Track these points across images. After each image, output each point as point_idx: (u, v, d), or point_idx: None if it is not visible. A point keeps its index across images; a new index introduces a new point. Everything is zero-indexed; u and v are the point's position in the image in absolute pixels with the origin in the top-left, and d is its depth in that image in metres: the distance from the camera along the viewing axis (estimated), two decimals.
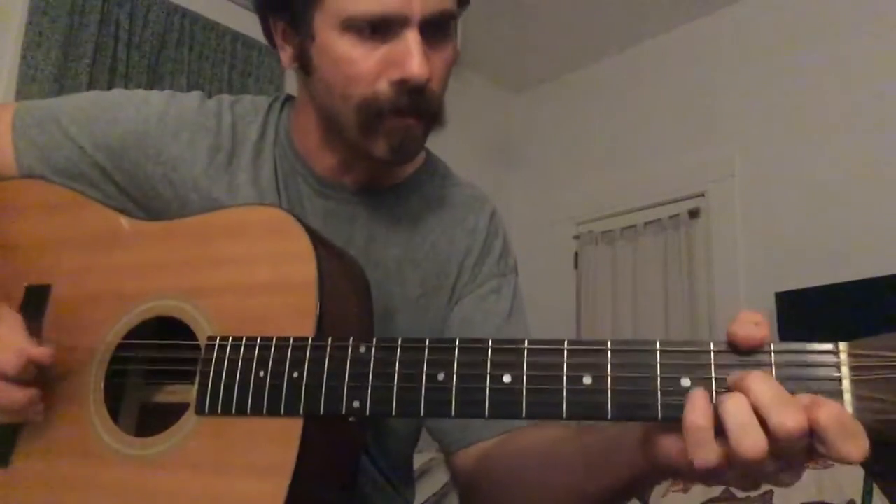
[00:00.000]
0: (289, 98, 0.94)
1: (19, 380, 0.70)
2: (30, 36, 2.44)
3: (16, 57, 2.43)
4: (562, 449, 0.72)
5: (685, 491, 2.01)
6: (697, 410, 0.50)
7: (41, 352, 0.71)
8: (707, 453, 0.49)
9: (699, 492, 1.97)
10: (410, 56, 0.74)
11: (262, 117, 0.90)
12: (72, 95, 0.92)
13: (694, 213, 3.32)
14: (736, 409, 0.48)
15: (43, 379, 0.72)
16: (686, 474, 0.53)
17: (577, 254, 3.75)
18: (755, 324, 0.51)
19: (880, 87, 2.82)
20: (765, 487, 1.93)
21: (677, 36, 3.55)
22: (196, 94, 0.91)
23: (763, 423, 0.48)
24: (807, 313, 2.66)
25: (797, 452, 0.49)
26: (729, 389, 0.51)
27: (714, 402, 0.51)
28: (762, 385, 0.49)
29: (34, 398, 0.71)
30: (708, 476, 0.51)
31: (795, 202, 2.98)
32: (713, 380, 0.52)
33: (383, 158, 0.80)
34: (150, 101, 0.88)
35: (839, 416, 0.47)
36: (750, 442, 0.48)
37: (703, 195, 3.31)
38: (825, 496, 1.78)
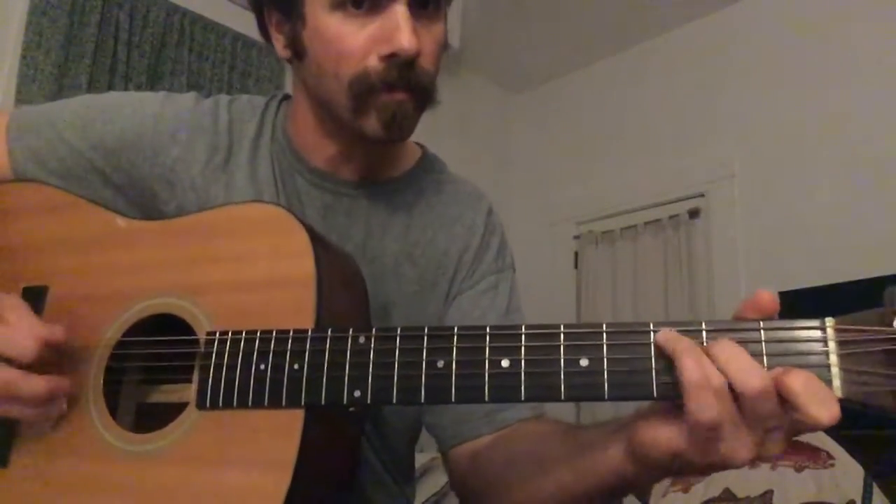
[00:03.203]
0: (286, 97, 0.94)
1: (37, 365, 0.68)
2: (30, 36, 2.44)
3: (16, 57, 2.43)
4: (550, 449, 0.72)
5: (685, 490, 2.01)
6: (672, 338, 0.53)
7: (56, 332, 0.70)
8: (697, 371, 0.51)
9: (699, 492, 1.97)
10: (399, 30, 0.74)
11: (259, 115, 0.90)
12: (66, 100, 0.92)
13: (694, 213, 3.33)
14: (691, 366, 0.51)
15: (58, 368, 0.72)
16: (676, 460, 0.54)
17: (577, 254, 3.75)
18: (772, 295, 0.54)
19: (881, 88, 2.83)
20: (764, 487, 1.93)
21: (677, 36, 3.56)
22: (191, 94, 0.91)
23: (730, 386, 0.51)
24: (807, 313, 2.65)
25: (769, 414, 0.51)
26: None
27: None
28: (721, 347, 0.52)
29: (56, 387, 0.69)
30: (703, 451, 0.52)
31: (795, 202, 2.98)
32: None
33: (376, 136, 0.80)
34: (146, 102, 0.88)
35: (808, 381, 0.49)
36: (707, 400, 0.51)
37: (703, 195, 3.31)
38: (825, 496, 1.78)
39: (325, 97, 0.81)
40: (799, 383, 0.49)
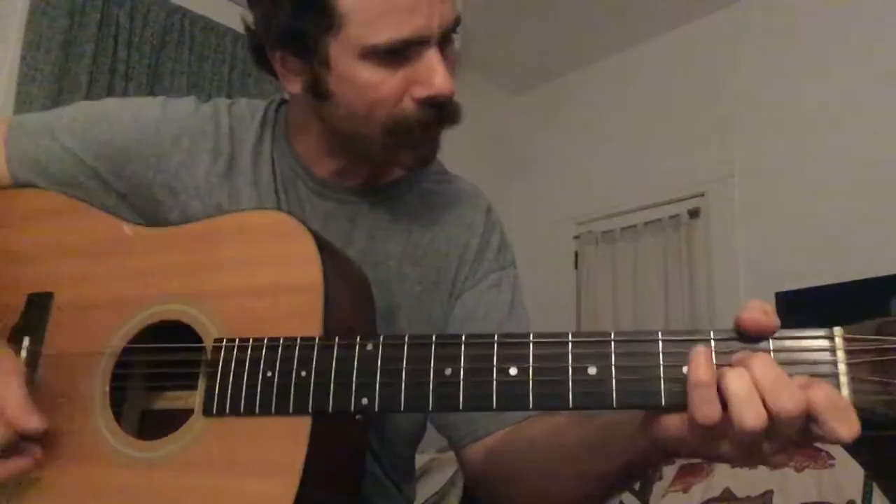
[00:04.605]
0: (283, 101, 0.94)
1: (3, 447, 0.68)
2: (30, 36, 2.44)
3: (16, 57, 2.43)
4: (565, 436, 0.73)
5: (685, 491, 2.01)
6: (701, 367, 0.52)
7: (32, 422, 0.67)
8: (710, 410, 0.51)
9: (699, 492, 1.97)
10: (435, 74, 0.75)
11: (259, 120, 0.90)
12: (65, 107, 0.92)
13: (694, 213, 3.32)
14: (738, 383, 0.50)
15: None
16: (685, 450, 0.55)
17: (577, 254, 3.75)
18: (763, 312, 0.53)
19: (881, 87, 2.83)
20: (764, 487, 1.93)
21: (677, 36, 3.56)
22: (190, 98, 0.91)
23: (763, 402, 0.50)
24: (807, 313, 2.66)
25: (794, 433, 0.50)
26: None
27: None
28: (764, 366, 0.51)
29: (17, 471, 0.69)
30: (708, 448, 0.53)
31: (795, 202, 2.98)
32: (713, 367, 0.53)
33: (409, 166, 0.84)
34: (146, 109, 0.88)
35: (831, 397, 0.49)
36: (751, 415, 0.50)
37: (703, 195, 3.31)
38: (825, 496, 1.78)
39: (352, 134, 0.81)
40: (821, 398, 0.49)
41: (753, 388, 0.50)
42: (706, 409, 0.51)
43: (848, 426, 0.49)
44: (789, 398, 0.49)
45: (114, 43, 2.63)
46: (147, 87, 2.66)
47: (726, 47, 3.34)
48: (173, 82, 2.75)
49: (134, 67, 2.67)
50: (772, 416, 0.50)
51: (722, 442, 0.52)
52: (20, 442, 0.68)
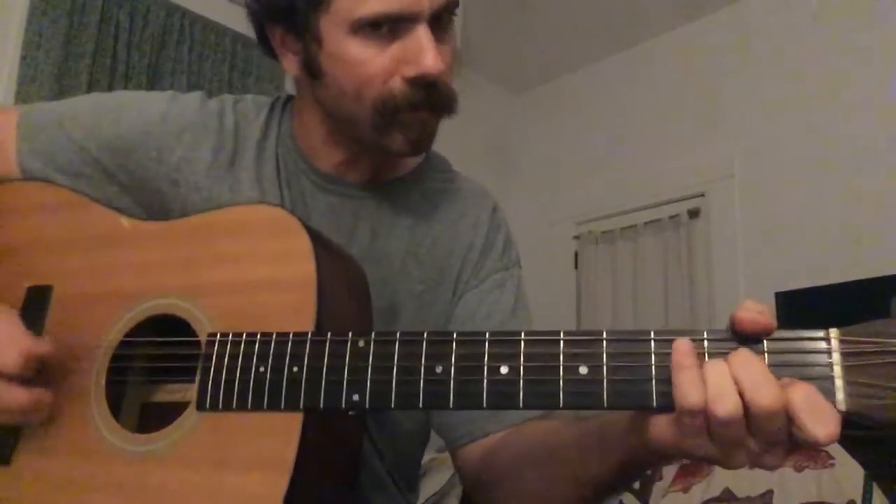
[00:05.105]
0: (290, 98, 0.94)
1: (21, 378, 0.69)
2: (30, 36, 2.45)
3: (16, 57, 2.43)
4: (559, 439, 0.73)
5: (685, 490, 2.01)
6: (681, 353, 0.52)
7: (43, 346, 0.70)
8: (693, 394, 0.51)
9: (699, 492, 1.97)
10: (424, 52, 0.74)
11: (265, 117, 0.90)
12: (73, 99, 0.93)
13: (694, 213, 3.33)
14: (714, 372, 0.51)
15: (45, 378, 0.72)
16: (674, 450, 0.54)
17: (577, 254, 3.75)
18: (759, 312, 0.52)
19: (881, 87, 2.82)
20: (764, 487, 1.93)
21: (677, 36, 3.56)
22: (197, 94, 0.91)
23: (742, 396, 0.50)
24: (807, 313, 2.66)
25: (775, 431, 0.50)
26: None
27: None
28: (743, 361, 0.51)
29: (38, 399, 0.71)
30: (694, 445, 0.52)
31: (795, 202, 2.98)
32: (695, 353, 0.53)
33: (401, 152, 0.81)
34: (153, 102, 0.88)
35: (809, 397, 0.49)
36: (723, 404, 0.50)
37: (703, 195, 3.32)
38: (825, 496, 1.78)
39: (345, 115, 0.81)
40: (799, 397, 0.48)
41: (729, 378, 0.50)
42: (690, 396, 0.51)
43: (825, 427, 0.48)
44: (766, 394, 0.49)
45: (114, 43, 2.64)
46: (147, 88, 2.67)
47: (727, 47, 3.34)
48: (173, 82, 2.76)
49: (134, 67, 2.68)
50: (748, 411, 0.49)
51: (706, 438, 0.52)
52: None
